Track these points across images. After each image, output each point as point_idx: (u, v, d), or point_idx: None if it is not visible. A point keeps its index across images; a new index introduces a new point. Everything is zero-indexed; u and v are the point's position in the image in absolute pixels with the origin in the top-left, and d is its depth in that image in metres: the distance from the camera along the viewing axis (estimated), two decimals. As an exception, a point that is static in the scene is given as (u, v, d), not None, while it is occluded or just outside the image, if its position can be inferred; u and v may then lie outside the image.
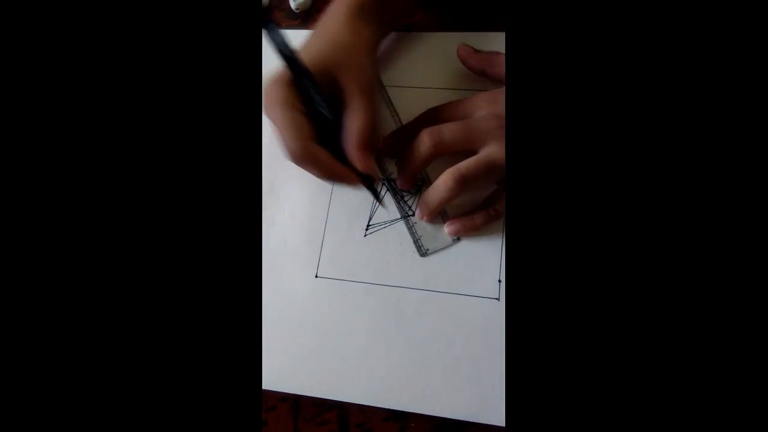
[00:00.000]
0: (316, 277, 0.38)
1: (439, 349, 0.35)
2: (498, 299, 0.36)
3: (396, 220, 0.39)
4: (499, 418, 0.33)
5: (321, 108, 0.34)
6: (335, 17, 0.38)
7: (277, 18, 0.48)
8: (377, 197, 0.38)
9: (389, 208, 0.39)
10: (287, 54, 0.33)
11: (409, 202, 0.39)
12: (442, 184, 0.35)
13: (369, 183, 0.36)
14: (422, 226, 0.38)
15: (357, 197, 0.39)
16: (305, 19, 0.48)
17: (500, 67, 0.38)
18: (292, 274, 0.38)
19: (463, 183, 0.34)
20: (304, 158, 0.34)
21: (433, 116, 0.38)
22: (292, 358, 0.36)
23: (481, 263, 0.37)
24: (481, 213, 0.37)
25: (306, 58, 0.34)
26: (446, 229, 0.37)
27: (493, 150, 0.34)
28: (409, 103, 0.41)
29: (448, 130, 0.35)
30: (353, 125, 0.35)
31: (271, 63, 0.45)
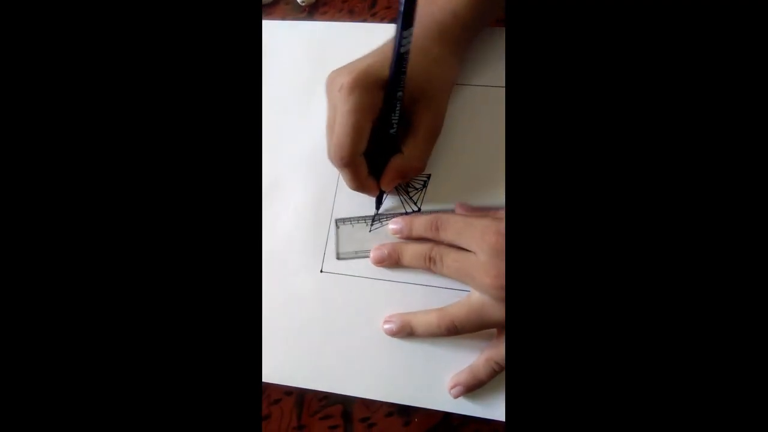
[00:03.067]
0: (321, 271, 0.38)
1: (443, 344, 0.35)
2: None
3: (401, 215, 0.39)
4: (501, 414, 0.33)
5: (393, 120, 0.34)
6: (436, 41, 0.36)
7: (282, 11, 0.48)
8: (378, 207, 0.39)
9: (395, 203, 0.39)
10: (402, 55, 0.31)
11: (414, 198, 0.39)
12: (433, 325, 0.34)
13: (380, 197, 0.38)
14: (345, 231, 0.39)
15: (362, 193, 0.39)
16: (311, 12, 0.47)
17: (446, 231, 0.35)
18: (297, 268, 0.39)
19: (454, 332, 0.34)
20: (348, 165, 0.34)
21: (438, 229, 0.35)
22: (296, 353, 0.37)
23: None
24: (484, 365, 0.34)
25: None
26: (451, 391, 0.34)
27: (486, 304, 0.32)
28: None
29: (445, 265, 0.34)
30: (412, 162, 0.35)
31: (272, 59, 0.45)
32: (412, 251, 0.36)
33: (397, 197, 0.39)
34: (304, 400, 0.36)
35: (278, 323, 0.37)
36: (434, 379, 0.35)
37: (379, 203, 0.39)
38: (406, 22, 0.29)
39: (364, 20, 0.46)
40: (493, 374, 0.33)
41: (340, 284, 0.38)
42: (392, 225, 0.37)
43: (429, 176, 0.39)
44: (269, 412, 0.36)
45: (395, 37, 0.30)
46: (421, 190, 0.39)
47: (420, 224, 0.36)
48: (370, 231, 0.39)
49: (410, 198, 0.39)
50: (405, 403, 0.35)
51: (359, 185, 0.36)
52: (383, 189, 0.37)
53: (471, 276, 0.32)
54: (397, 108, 0.33)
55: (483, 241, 0.32)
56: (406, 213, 0.39)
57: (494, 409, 0.34)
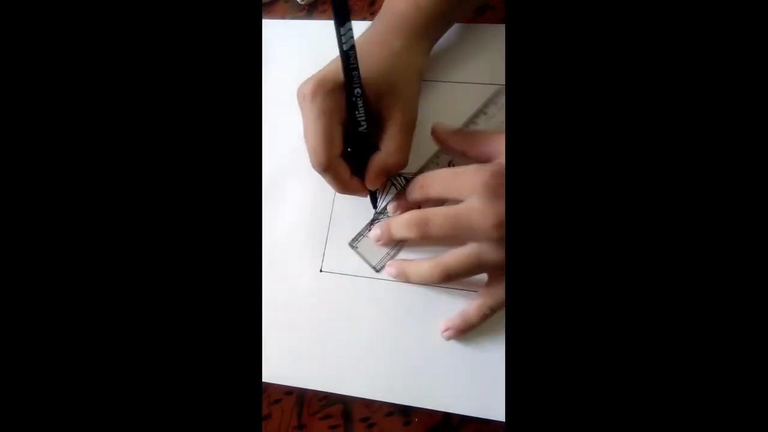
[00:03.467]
0: (321, 271, 0.38)
1: (444, 344, 0.35)
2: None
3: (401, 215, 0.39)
4: (501, 414, 0.33)
5: (359, 118, 0.34)
6: (396, 34, 0.36)
7: (281, 10, 0.48)
8: (375, 206, 0.39)
9: (373, 208, 0.39)
10: (347, 52, 0.31)
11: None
12: (425, 273, 0.34)
13: (373, 196, 0.38)
14: (364, 245, 0.38)
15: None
16: (310, 11, 0.47)
17: (481, 147, 0.34)
18: (297, 268, 0.38)
19: (447, 280, 0.34)
20: (327, 170, 0.34)
21: (424, 189, 0.35)
22: (296, 352, 0.37)
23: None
24: (476, 309, 0.34)
25: (361, 67, 0.32)
26: (443, 334, 0.35)
27: (483, 250, 0.32)
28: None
29: (436, 225, 0.33)
30: (390, 157, 0.34)
31: (271, 58, 0.45)
32: (397, 221, 0.35)
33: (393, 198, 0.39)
34: (304, 399, 0.36)
35: (278, 323, 0.37)
36: (434, 379, 0.35)
37: (374, 203, 0.38)
38: (340, 18, 0.29)
39: (364, 18, 0.45)
40: (484, 318, 0.34)
41: (340, 284, 0.38)
42: (389, 207, 0.38)
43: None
44: (269, 411, 0.36)
45: (336, 35, 0.30)
46: (421, 189, 0.39)
47: (406, 191, 0.36)
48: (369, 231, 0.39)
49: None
50: (405, 403, 0.35)
51: (343, 187, 0.35)
52: (369, 188, 0.36)
53: (468, 225, 0.31)
54: (360, 105, 0.33)
55: (476, 184, 0.31)
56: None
57: (494, 409, 0.33)
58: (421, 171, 0.39)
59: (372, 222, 0.39)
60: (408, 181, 0.38)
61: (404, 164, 0.35)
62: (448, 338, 0.35)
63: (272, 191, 0.41)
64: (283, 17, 0.47)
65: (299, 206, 0.40)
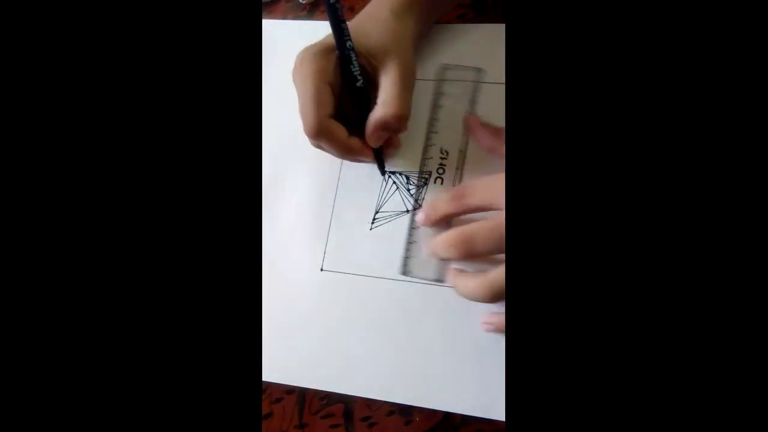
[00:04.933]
0: (322, 270, 0.38)
1: (445, 344, 0.35)
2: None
3: (402, 213, 0.39)
4: (503, 413, 0.33)
5: (354, 71, 0.33)
6: (381, 6, 0.37)
7: (283, 10, 0.48)
8: (383, 171, 0.38)
9: (395, 201, 0.39)
10: (333, 5, 0.31)
11: (415, 195, 0.39)
12: (471, 292, 0.32)
13: (379, 157, 0.37)
14: (418, 248, 0.37)
15: (363, 191, 0.39)
16: (311, 10, 0.47)
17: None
18: (298, 267, 0.39)
19: (495, 299, 0.31)
20: (320, 133, 0.33)
21: (462, 200, 0.33)
22: (297, 352, 0.37)
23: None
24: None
25: (354, 39, 0.33)
26: (482, 327, 0.35)
27: None
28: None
29: (482, 239, 0.31)
30: (385, 107, 0.33)
31: (272, 58, 0.45)
32: (439, 242, 0.33)
33: (397, 195, 0.39)
34: (305, 398, 0.36)
35: (280, 322, 0.37)
36: (435, 378, 0.35)
37: (381, 166, 0.38)
38: None
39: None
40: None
41: (341, 282, 0.38)
42: (418, 216, 0.37)
43: (430, 173, 0.39)
44: (271, 410, 0.36)
45: None
46: (423, 187, 0.39)
47: (438, 205, 0.35)
48: (370, 230, 0.39)
49: (411, 195, 0.39)
50: (406, 403, 0.35)
51: (343, 149, 0.35)
52: (371, 144, 0.35)
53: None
54: (353, 58, 0.33)
55: None
56: (407, 211, 0.39)
57: (494, 409, 0.33)
58: (421, 166, 0.39)
59: (408, 240, 0.38)
60: (409, 178, 0.38)
61: (405, 116, 0.34)
62: (486, 331, 0.34)
63: (272, 190, 0.41)
64: (284, 17, 0.47)
65: (300, 205, 0.40)
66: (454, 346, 0.35)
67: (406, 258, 0.37)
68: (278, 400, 0.36)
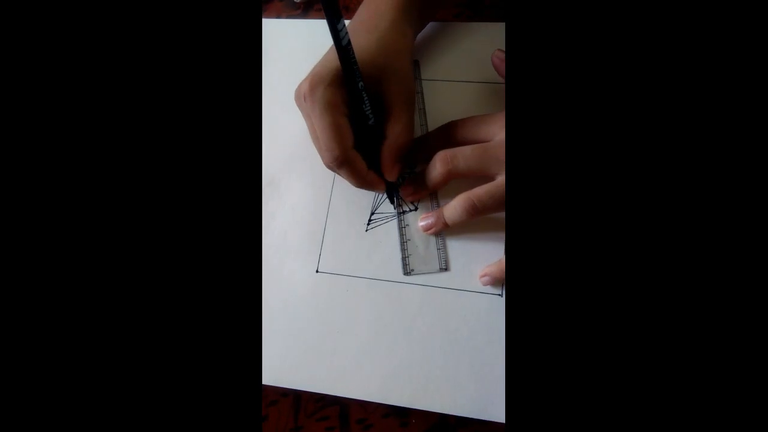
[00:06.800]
0: (317, 272, 0.38)
1: (441, 346, 0.35)
2: (501, 295, 0.36)
3: (398, 214, 0.38)
4: (500, 415, 0.33)
5: (367, 111, 0.33)
6: (381, 16, 0.37)
7: (277, 9, 0.47)
8: (393, 202, 0.38)
9: (391, 203, 0.39)
10: (345, 47, 0.31)
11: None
12: (455, 209, 0.35)
13: (391, 190, 0.37)
14: (414, 245, 0.38)
15: (358, 192, 0.39)
16: (306, 10, 0.47)
17: (482, 129, 0.36)
18: (293, 269, 0.38)
19: (475, 214, 0.34)
20: (344, 164, 0.33)
21: (451, 133, 0.37)
22: (293, 354, 0.36)
23: (483, 259, 0.36)
24: None
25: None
26: (481, 279, 0.36)
27: None
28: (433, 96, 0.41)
29: (463, 156, 0.34)
30: (396, 138, 0.34)
31: (267, 57, 0.45)
32: (427, 170, 0.36)
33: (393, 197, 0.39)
34: (300, 401, 0.36)
35: (274, 324, 0.37)
36: (431, 380, 0.34)
37: (392, 199, 0.38)
38: (335, 16, 0.29)
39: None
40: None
41: (336, 284, 0.37)
42: (404, 193, 0.38)
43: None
44: (266, 413, 0.36)
45: (330, 32, 0.30)
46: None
47: (432, 137, 0.37)
48: (366, 231, 0.38)
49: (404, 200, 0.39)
50: (402, 405, 0.34)
51: (362, 181, 0.35)
52: (388, 178, 0.36)
53: (496, 157, 0.33)
54: (365, 99, 0.33)
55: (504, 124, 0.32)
56: (403, 212, 0.38)
57: (491, 410, 0.33)
58: (415, 167, 0.39)
59: (403, 239, 0.38)
60: (404, 179, 0.38)
61: (412, 138, 0.36)
62: (485, 284, 0.36)
63: (268, 191, 0.41)
64: (278, 16, 0.47)
65: (295, 207, 0.40)
66: (450, 347, 0.35)
67: (405, 258, 0.37)
68: (273, 402, 0.36)
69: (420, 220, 0.37)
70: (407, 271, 0.37)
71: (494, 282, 0.35)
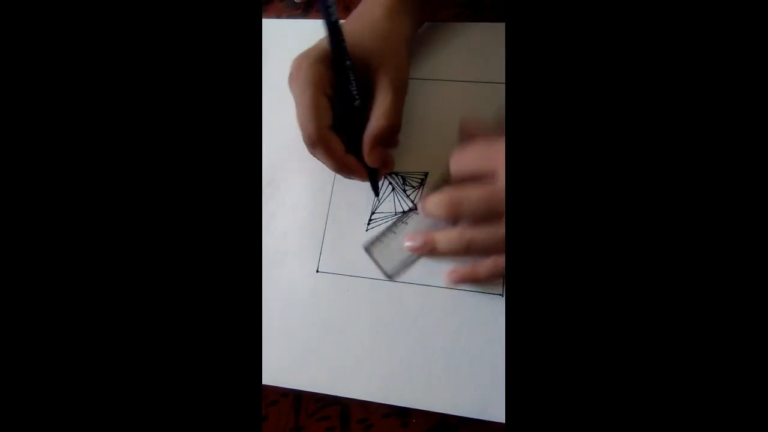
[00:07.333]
0: (318, 272, 0.38)
1: (442, 345, 0.35)
2: (501, 295, 0.35)
3: (398, 213, 0.38)
4: (500, 415, 0.33)
5: (353, 90, 0.33)
6: (378, 4, 0.37)
7: (277, 9, 0.47)
8: (376, 192, 0.38)
9: (391, 202, 0.39)
10: (333, 24, 0.31)
11: (411, 196, 0.38)
12: (450, 243, 0.34)
13: (374, 177, 0.36)
14: (394, 239, 0.37)
15: (358, 192, 0.39)
16: (306, 9, 0.47)
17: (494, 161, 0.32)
18: (294, 269, 0.38)
19: (470, 254, 0.33)
20: (318, 143, 0.33)
21: (458, 165, 0.34)
22: (293, 354, 0.36)
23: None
24: (487, 265, 0.34)
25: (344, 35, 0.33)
26: (447, 276, 0.35)
27: None
28: (426, 96, 0.41)
29: (469, 204, 0.32)
30: (380, 120, 0.33)
31: (267, 57, 0.45)
32: (430, 200, 0.34)
33: (393, 196, 0.39)
34: (301, 401, 0.36)
35: (275, 324, 0.37)
36: (432, 380, 0.34)
37: (375, 187, 0.37)
38: None
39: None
40: (491, 277, 0.34)
41: (336, 284, 0.37)
42: (419, 205, 0.36)
43: (426, 174, 0.39)
44: (266, 413, 0.36)
45: (321, 8, 0.30)
46: (418, 188, 0.39)
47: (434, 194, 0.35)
48: (366, 231, 0.38)
49: (407, 196, 0.39)
50: (403, 405, 0.34)
51: (339, 164, 0.34)
52: (368, 162, 0.35)
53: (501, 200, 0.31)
54: (351, 78, 0.33)
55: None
56: (403, 212, 0.38)
57: (492, 410, 0.33)
58: (416, 167, 0.39)
59: (391, 227, 0.38)
60: (405, 179, 0.38)
61: (397, 126, 0.34)
62: (451, 281, 0.35)
63: (268, 191, 0.41)
64: (278, 16, 0.47)
65: (295, 206, 0.40)
66: (450, 347, 0.35)
67: (377, 239, 0.37)
68: (274, 402, 0.36)
69: (407, 240, 0.36)
70: (367, 247, 0.37)
71: (461, 281, 0.35)
